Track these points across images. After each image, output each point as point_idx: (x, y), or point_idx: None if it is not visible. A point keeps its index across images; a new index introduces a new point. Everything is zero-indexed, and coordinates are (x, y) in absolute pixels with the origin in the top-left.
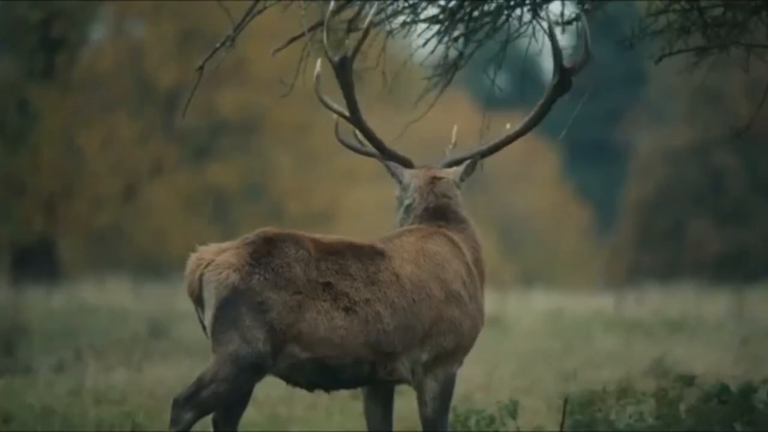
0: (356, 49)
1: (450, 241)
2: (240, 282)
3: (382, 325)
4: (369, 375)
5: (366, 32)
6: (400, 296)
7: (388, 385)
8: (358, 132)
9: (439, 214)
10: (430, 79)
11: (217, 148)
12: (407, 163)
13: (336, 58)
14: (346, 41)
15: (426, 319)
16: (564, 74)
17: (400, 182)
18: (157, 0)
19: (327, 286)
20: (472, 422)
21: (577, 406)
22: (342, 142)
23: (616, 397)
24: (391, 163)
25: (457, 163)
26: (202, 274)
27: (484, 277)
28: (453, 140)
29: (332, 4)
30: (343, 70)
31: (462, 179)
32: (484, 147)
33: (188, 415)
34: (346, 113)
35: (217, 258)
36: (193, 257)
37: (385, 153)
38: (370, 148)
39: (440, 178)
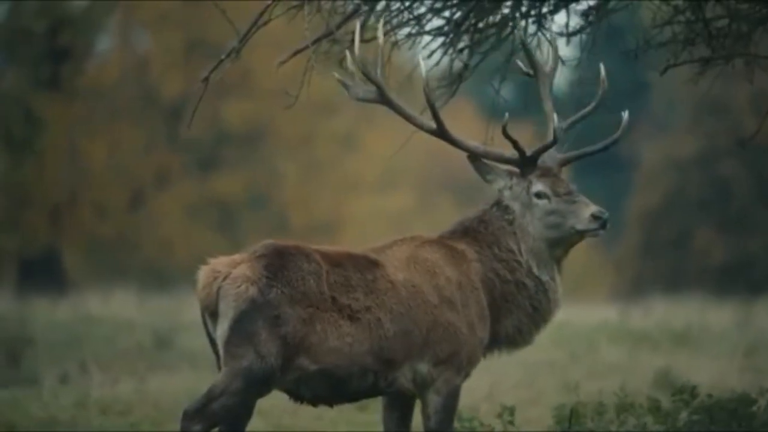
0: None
1: (448, 248)
2: (258, 295)
3: (384, 331)
4: (373, 386)
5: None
6: (398, 302)
7: (393, 396)
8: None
9: (464, 226)
10: (435, 90)
11: (222, 159)
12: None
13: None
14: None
15: (423, 324)
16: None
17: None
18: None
19: (334, 297)
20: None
21: (579, 416)
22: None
23: (616, 408)
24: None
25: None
26: (219, 287)
27: (517, 286)
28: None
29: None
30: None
31: (485, 181)
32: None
33: (197, 427)
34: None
35: (233, 271)
36: (206, 269)
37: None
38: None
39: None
